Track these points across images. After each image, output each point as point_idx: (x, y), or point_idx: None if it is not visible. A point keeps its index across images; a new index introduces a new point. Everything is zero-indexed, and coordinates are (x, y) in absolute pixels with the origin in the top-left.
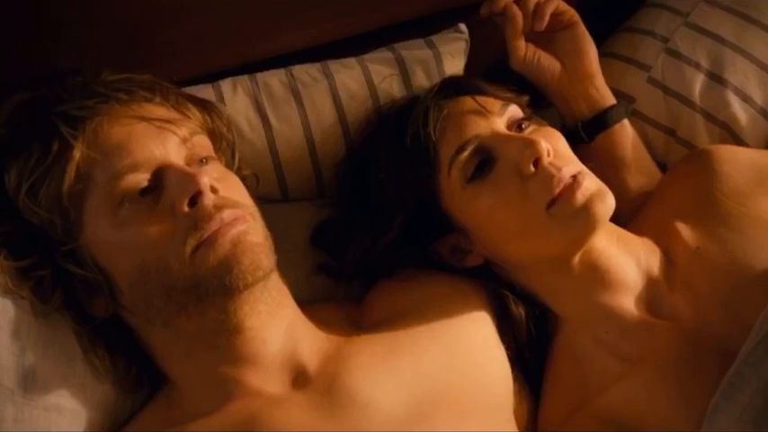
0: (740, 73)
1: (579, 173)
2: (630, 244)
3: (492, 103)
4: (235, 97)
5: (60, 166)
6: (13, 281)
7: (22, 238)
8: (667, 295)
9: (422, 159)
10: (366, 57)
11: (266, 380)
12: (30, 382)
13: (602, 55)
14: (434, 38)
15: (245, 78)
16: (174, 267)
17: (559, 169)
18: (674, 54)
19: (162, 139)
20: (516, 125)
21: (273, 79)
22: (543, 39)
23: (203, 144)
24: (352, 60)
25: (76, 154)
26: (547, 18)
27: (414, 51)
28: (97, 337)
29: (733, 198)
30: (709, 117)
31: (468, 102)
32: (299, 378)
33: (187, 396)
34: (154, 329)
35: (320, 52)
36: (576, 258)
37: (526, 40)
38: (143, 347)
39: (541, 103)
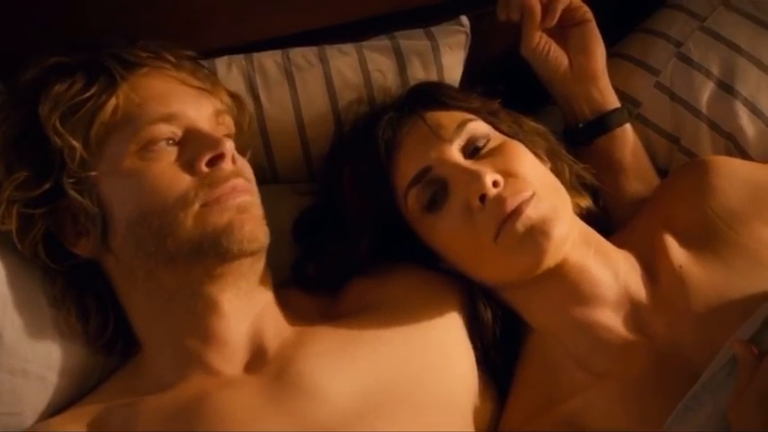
0: (752, 84)
1: (524, 201)
2: (609, 257)
3: (448, 125)
4: (229, 75)
5: (100, 99)
6: (5, 211)
7: (38, 166)
8: (644, 312)
9: (379, 187)
10: (364, 44)
11: (227, 360)
12: None
13: (613, 55)
14: (434, 29)
15: (240, 58)
16: (180, 217)
17: (504, 200)
18: (686, 59)
19: (198, 105)
20: (473, 147)
21: (269, 60)
22: (556, 34)
23: (229, 125)
24: (349, 46)
25: (120, 92)
26: (558, 14)
27: (412, 42)
28: (70, 287)
29: (724, 217)
30: (714, 127)
31: (422, 126)
32: (256, 360)
33: (151, 365)
34: (134, 281)
35: (322, 35)
36: (546, 272)
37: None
38: (118, 304)
39: (545, 100)
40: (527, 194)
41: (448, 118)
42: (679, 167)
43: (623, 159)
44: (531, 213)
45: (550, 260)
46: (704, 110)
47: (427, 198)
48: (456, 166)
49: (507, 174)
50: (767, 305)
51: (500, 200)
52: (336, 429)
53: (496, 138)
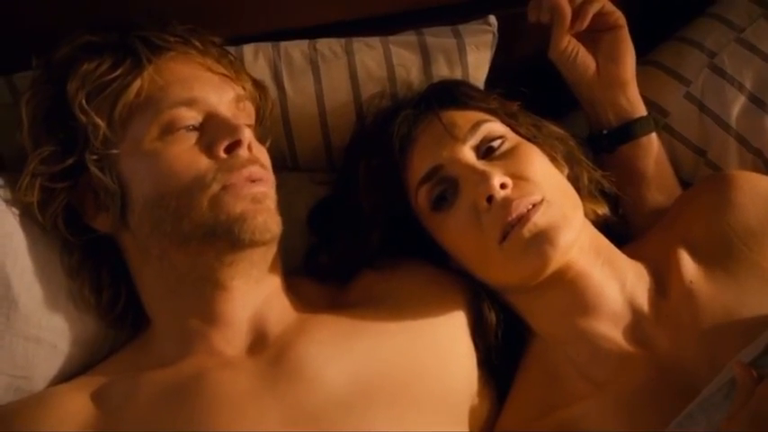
0: None
1: (533, 206)
2: (618, 267)
3: (462, 125)
4: (255, 62)
5: (127, 79)
6: (28, 184)
7: (63, 142)
8: (649, 325)
9: (392, 182)
10: (391, 38)
11: (228, 341)
12: (12, 312)
13: (645, 63)
14: (461, 27)
15: (268, 46)
16: (197, 199)
17: (511, 203)
18: (719, 71)
19: (220, 91)
20: (486, 147)
21: (295, 50)
22: (587, 38)
23: (249, 112)
24: (375, 40)
25: (146, 74)
26: (588, 18)
27: (438, 39)
28: (86, 259)
29: (741, 234)
30: (743, 142)
31: (437, 124)
32: (258, 344)
33: (157, 341)
34: (148, 259)
35: (352, 28)
36: (551, 278)
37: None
38: (131, 280)
39: (574, 104)
40: (535, 199)
41: (463, 117)
42: (701, 180)
43: (646, 169)
44: (539, 220)
45: (554, 266)
46: (733, 124)
47: (435, 196)
48: (466, 165)
49: (518, 176)
50: None
51: (507, 202)
52: (326, 417)
53: (512, 140)
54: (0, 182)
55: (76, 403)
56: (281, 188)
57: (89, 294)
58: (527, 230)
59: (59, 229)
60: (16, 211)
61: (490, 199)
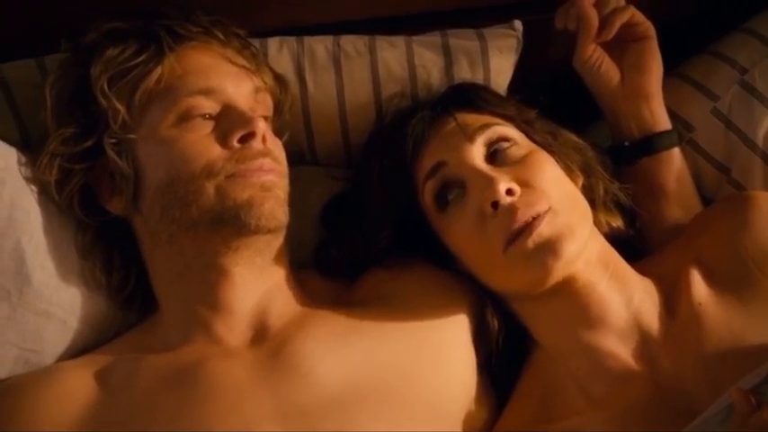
0: None
1: (538, 215)
2: (626, 282)
3: (472, 124)
4: (279, 56)
5: (148, 66)
6: (47, 163)
7: (83, 124)
8: (651, 344)
9: (403, 183)
10: (414, 39)
11: (230, 329)
12: (25, 287)
13: (674, 75)
14: (486, 30)
15: (292, 40)
16: (204, 186)
17: (516, 211)
18: (749, 88)
19: (237, 82)
20: (494, 150)
21: (319, 45)
22: (615, 48)
23: (267, 105)
24: (399, 39)
25: (166, 62)
26: (616, 28)
27: (462, 41)
28: (99, 240)
29: (755, 258)
30: None
31: (450, 123)
32: (258, 336)
33: (163, 325)
34: (158, 243)
35: (378, 26)
36: (555, 289)
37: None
38: (142, 263)
39: (599, 114)
40: (541, 208)
41: (476, 120)
42: (721, 200)
43: (666, 184)
44: (543, 230)
45: (556, 277)
46: (760, 143)
47: (437, 191)
48: (473, 168)
49: (526, 184)
50: None
51: (512, 210)
52: (316, 412)
53: (524, 146)
54: (23, 159)
55: (79, 381)
56: (296, 181)
57: (100, 274)
58: (531, 240)
59: (74, 209)
60: (35, 189)
61: (496, 205)
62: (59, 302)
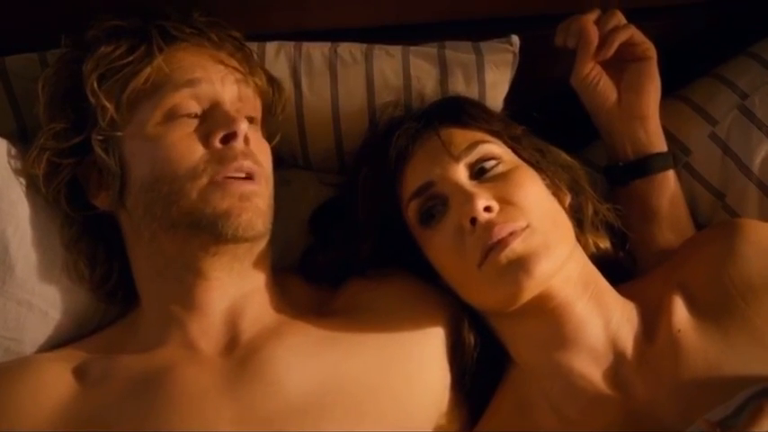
0: None
1: (514, 231)
2: (605, 304)
3: (459, 144)
4: (276, 60)
5: (138, 66)
6: (36, 157)
7: (73, 120)
8: (628, 368)
9: (387, 194)
10: (411, 49)
11: (204, 332)
12: (8, 276)
13: (674, 97)
14: (483, 44)
15: (290, 45)
16: (186, 188)
17: (493, 227)
18: (748, 113)
19: (224, 82)
20: (479, 168)
21: (316, 51)
22: (614, 67)
23: (255, 107)
24: (396, 49)
25: (155, 63)
26: (614, 47)
27: (458, 53)
28: (84, 234)
29: (739, 287)
30: (764, 189)
31: (435, 141)
32: (231, 342)
33: (143, 323)
34: (140, 240)
35: (378, 34)
36: (531, 306)
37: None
38: (125, 258)
39: (594, 136)
40: (518, 225)
41: (462, 136)
42: (711, 227)
43: (659, 206)
44: (518, 246)
45: (528, 294)
46: (756, 170)
47: (424, 211)
48: (456, 184)
49: (505, 201)
50: (748, 391)
51: (489, 226)
52: (279, 421)
53: (508, 163)
54: (13, 151)
55: (55, 374)
56: (287, 185)
57: (83, 268)
58: (504, 256)
59: (61, 203)
60: (23, 182)
61: (474, 221)
62: (42, 293)
